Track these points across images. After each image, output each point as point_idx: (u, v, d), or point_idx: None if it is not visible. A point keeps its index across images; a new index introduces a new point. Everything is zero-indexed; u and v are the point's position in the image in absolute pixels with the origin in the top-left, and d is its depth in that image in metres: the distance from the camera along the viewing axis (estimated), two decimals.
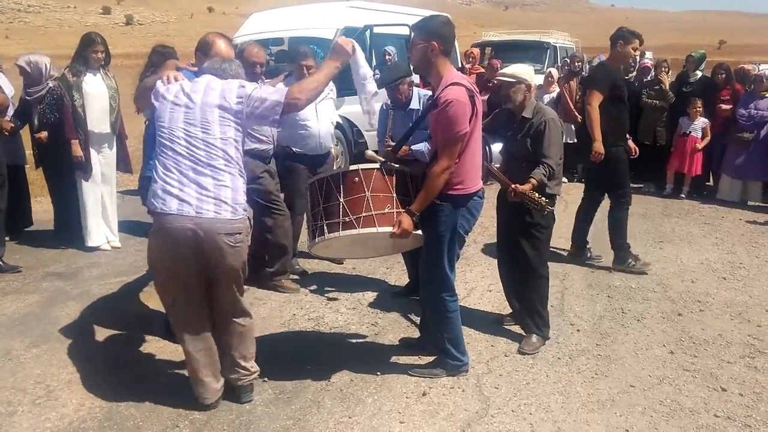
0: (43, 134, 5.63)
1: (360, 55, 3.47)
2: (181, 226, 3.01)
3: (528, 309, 4.19)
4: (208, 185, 3.04)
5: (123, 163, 6.19)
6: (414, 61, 3.46)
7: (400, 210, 3.32)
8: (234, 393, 3.41)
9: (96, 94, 5.68)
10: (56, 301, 4.77)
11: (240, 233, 3.12)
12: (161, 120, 3.16)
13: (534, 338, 4.14)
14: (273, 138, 4.81)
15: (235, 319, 3.33)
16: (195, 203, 3.01)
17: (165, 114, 3.15)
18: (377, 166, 3.41)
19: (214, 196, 3.03)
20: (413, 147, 4.28)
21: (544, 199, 3.81)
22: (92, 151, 5.77)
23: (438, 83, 3.37)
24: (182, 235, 3.02)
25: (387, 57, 9.26)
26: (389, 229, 3.27)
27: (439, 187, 3.33)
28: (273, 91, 3.18)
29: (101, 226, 5.94)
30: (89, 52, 5.63)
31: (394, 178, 3.38)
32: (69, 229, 6.02)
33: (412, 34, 3.46)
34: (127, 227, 6.39)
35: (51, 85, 5.64)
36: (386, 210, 3.29)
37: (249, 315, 3.43)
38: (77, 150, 5.63)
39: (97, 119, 5.73)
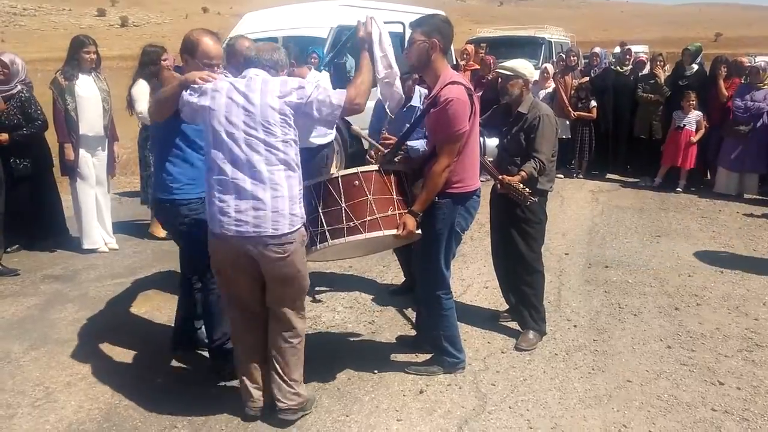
0: (3, 136, 5.46)
1: (379, 32, 3.34)
2: (240, 245, 2.94)
3: (524, 304, 4.20)
4: (266, 198, 2.89)
5: (109, 166, 6.11)
6: (413, 59, 3.41)
7: (402, 211, 3.31)
8: (274, 414, 3.24)
9: (89, 98, 5.67)
10: (54, 304, 4.77)
11: (292, 242, 2.98)
12: (211, 123, 2.94)
13: (531, 334, 4.15)
14: None
15: (283, 333, 3.17)
16: (252, 221, 2.89)
17: (216, 116, 2.93)
18: (375, 167, 3.38)
19: (272, 210, 2.90)
20: (409, 143, 4.27)
21: (527, 189, 3.81)
22: (86, 154, 5.77)
23: (435, 81, 3.36)
24: (241, 251, 2.97)
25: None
26: (393, 231, 3.25)
27: (440, 185, 3.33)
28: (332, 95, 3.02)
29: (97, 228, 5.93)
30: (81, 54, 5.62)
31: (392, 178, 3.37)
32: (45, 233, 6.01)
33: (411, 31, 3.41)
34: (124, 229, 6.39)
35: (20, 87, 5.60)
36: (389, 212, 3.27)
37: (298, 333, 3.21)
38: (69, 153, 5.64)
39: (91, 122, 5.72)
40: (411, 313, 4.50)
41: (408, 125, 4.43)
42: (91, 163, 5.82)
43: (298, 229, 3.00)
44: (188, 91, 3.05)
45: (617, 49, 10.64)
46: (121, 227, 6.31)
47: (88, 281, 5.24)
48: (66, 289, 5.07)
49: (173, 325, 4.02)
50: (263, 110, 2.90)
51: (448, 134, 3.28)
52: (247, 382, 3.23)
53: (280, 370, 3.18)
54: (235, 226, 2.91)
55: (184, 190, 3.47)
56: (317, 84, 3.07)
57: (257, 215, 2.89)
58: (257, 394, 3.23)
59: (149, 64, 5.75)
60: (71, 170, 5.73)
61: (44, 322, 4.45)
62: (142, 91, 5.75)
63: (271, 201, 2.90)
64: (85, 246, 5.88)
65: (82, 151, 5.73)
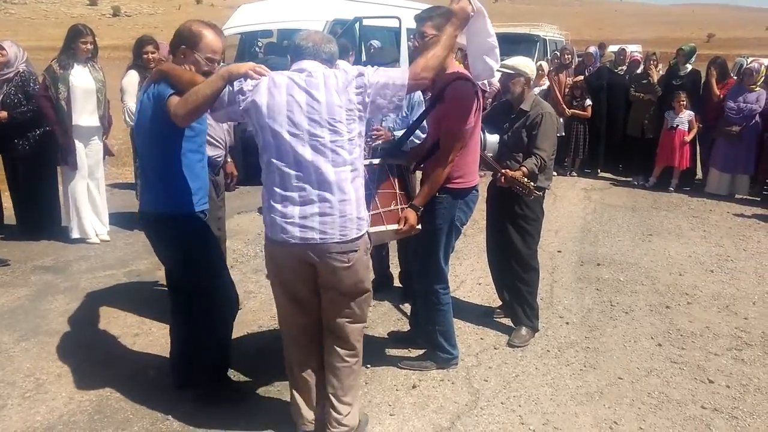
0: (3, 114, 5.52)
1: (484, 18, 3.11)
2: (302, 252, 2.73)
3: (518, 300, 4.22)
4: (333, 202, 2.67)
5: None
6: (419, 51, 3.22)
7: (404, 206, 3.30)
8: None
9: (84, 88, 5.63)
10: (45, 295, 4.74)
11: (357, 250, 2.77)
12: (269, 124, 2.66)
13: (524, 330, 4.17)
14: (225, 143, 4.23)
15: (340, 350, 2.93)
16: (319, 227, 2.67)
17: (276, 116, 2.65)
18: (378, 161, 3.38)
19: (340, 215, 2.68)
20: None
21: (532, 183, 3.82)
22: (79, 145, 5.73)
23: (443, 77, 3.33)
24: (302, 259, 2.76)
25: (371, 51, 9.24)
26: (395, 226, 3.24)
27: (442, 181, 3.34)
28: (394, 74, 2.78)
29: (88, 219, 5.89)
30: (77, 43, 5.58)
31: (395, 172, 3.36)
32: (37, 222, 6.00)
33: (419, 23, 3.31)
34: (116, 220, 6.35)
35: (21, 69, 5.63)
36: (392, 207, 3.27)
37: (356, 352, 2.98)
38: (59, 131, 5.62)
39: (85, 112, 5.69)
40: (405, 308, 4.50)
41: (400, 119, 4.43)
42: (84, 154, 5.79)
43: (364, 234, 2.81)
44: (236, 87, 2.74)
45: (592, 49, 10.60)
46: (113, 219, 6.26)
47: (80, 272, 5.21)
48: (57, 280, 5.04)
49: (169, 355, 3.62)
50: (329, 108, 2.65)
51: (455, 129, 3.27)
52: (300, 402, 3.01)
53: (333, 393, 2.94)
54: (300, 232, 2.68)
55: (191, 202, 3.14)
56: (375, 68, 2.82)
57: (324, 221, 2.67)
58: (310, 415, 3.01)
59: (139, 56, 5.73)
60: (65, 158, 5.71)
61: (35, 313, 4.42)
62: (130, 82, 5.73)
63: (339, 205, 2.68)
64: (74, 235, 5.84)
65: (75, 142, 5.69)
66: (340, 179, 2.68)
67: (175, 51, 3.04)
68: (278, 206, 2.70)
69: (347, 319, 2.91)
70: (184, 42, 3.01)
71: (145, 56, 5.65)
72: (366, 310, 2.99)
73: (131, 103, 5.65)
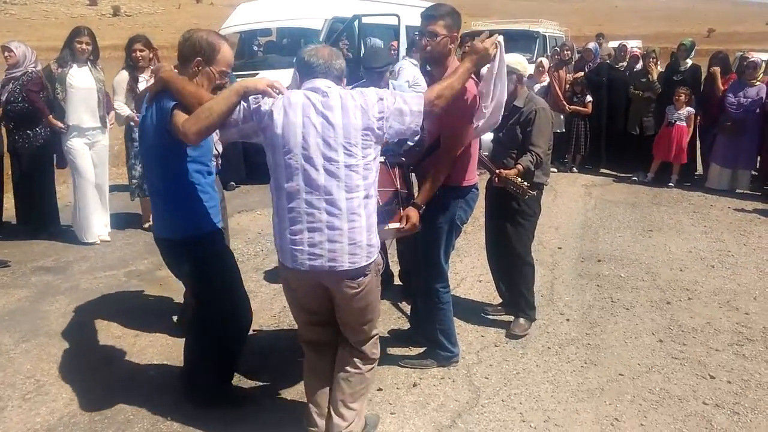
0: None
1: (502, 61, 3.12)
2: (313, 279, 2.71)
3: (514, 294, 4.27)
4: (343, 229, 2.61)
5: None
6: (434, 53, 3.26)
7: (405, 204, 3.27)
8: None
9: (83, 88, 5.65)
10: (46, 296, 4.74)
11: (368, 274, 2.74)
12: (284, 144, 2.58)
13: (522, 320, 4.21)
14: (216, 152, 3.88)
15: (354, 359, 2.93)
16: (327, 254, 2.62)
17: (290, 137, 2.57)
18: (382, 159, 3.36)
19: (349, 242, 2.63)
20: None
21: (525, 183, 3.81)
22: (83, 145, 5.74)
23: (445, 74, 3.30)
24: (315, 282, 2.74)
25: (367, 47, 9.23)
26: (397, 224, 3.21)
27: (443, 179, 3.32)
28: (410, 101, 2.73)
29: (96, 221, 5.90)
30: (74, 43, 5.59)
31: (397, 170, 3.35)
32: (36, 221, 6.01)
33: (428, 22, 3.25)
34: (116, 221, 6.35)
35: (30, 69, 5.66)
36: (393, 205, 3.25)
37: (370, 360, 2.98)
38: (54, 122, 5.63)
39: (87, 113, 5.70)
40: (405, 306, 4.50)
41: None
42: (88, 155, 5.79)
43: (375, 259, 2.76)
44: (252, 103, 2.65)
45: (592, 45, 10.55)
46: (112, 219, 6.26)
47: (80, 273, 5.21)
48: (57, 281, 5.04)
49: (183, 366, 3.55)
50: (345, 130, 2.57)
51: (456, 128, 3.25)
52: (312, 409, 2.98)
53: (342, 398, 2.92)
54: (309, 260, 2.64)
55: (205, 223, 3.06)
56: (393, 93, 2.80)
57: (333, 248, 2.62)
58: (321, 423, 2.97)
59: (129, 55, 5.73)
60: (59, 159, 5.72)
61: (35, 314, 4.42)
62: (119, 81, 5.74)
63: (349, 233, 2.62)
64: (85, 240, 5.85)
65: (78, 142, 5.70)
66: (352, 206, 2.62)
67: (188, 62, 2.88)
68: (287, 233, 2.66)
69: (359, 338, 2.93)
70: (200, 54, 2.86)
71: (134, 54, 5.65)
72: (376, 325, 2.98)
73: (118, 103, 5.73)
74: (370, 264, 2.72)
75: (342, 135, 2.56)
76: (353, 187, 2.61)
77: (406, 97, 2.75)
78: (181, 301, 4.22)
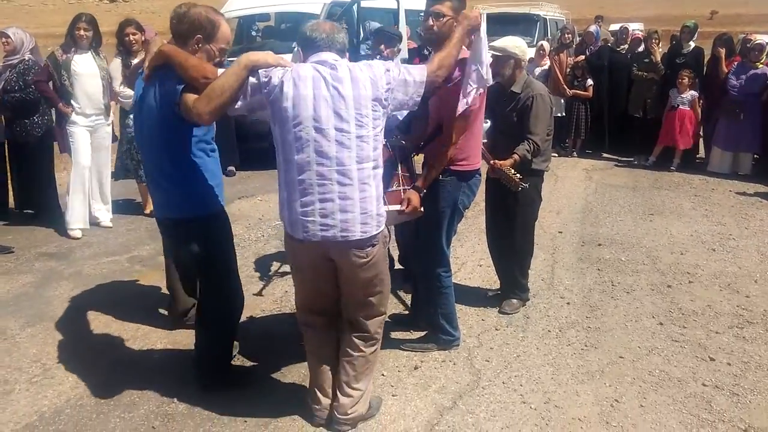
0: None
1: (484, 35, 3.11)
2: (323, 249, 2.74)
3: (508, 276, 4.33)
4: (354, 197, 2.65)
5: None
6: (438, 34, 3.19)
7: (406, 187, 3.29)
8: (330, 423, 3.03)
9: (87, 75, 5.62)
10: (50, 281, 4.77)
11: (376, 244, 2.78)
12: (294, 118, 2.60)
13: (514, 300, 4.28)
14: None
15: (358, 340, 2.97)
16: (340, 224, 2.66)
17: (301, 110, 2.59)
18: (383, 142, 3.36)
19: (361, 211, 2.67)
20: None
21: (518, 176, 3.79)
22: (85, 132, 5.72)
23: None
24: (324, 256, 2.78)
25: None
26: (397, 207, 3.21)
27: (445, 163, 3.32)
28: (414, 71, 2.78)
29: (82, 208, 5.80)
30: (74, 30, 5.57)
31: (398, 153, 3.35)
32: (36, 209, 6.04)
33: (434, 3, 3.22)
34: (117, 207, 6.36)
35: (26, 57, 5.62)
36: (394, 187, 3.25)
37: (375, 342, 3.01)
38: (65, 109, 5.61)
39: (90, 99, 5.68)
40: (404, 293, 4.52)
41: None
42: (89, 141, 5.78)
43: (383, 230, 2.81)
44: (263, 76, 2.66)
45: (593, 28, 10.48)
46: (114, 205, 6.27)
47: (83, 259, 5.23)
48: (61, 266, 5.07)
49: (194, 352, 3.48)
50: (357, 101, 2.60)
51: (462, 111, 3.22)
52: (316, 390, 3.03)
53: (345, 381, 2.96)
54: (321, 230, 2.66)
55: (212, 202, 3.08)
56: (397, 64, 2.84)
57: (345, 218, 2.65)
58: (325, 401, 3.01)
59: (122, 40, 5.67)
60: (62, 146, 5.71)
61: (40, 300, 4.45)
62: (114, 68, 5.71)
63: (360, 202, 2.66)
64: (69, 226, 5.75)
65: (80, 129, 5.69)
66: (363, 176, 2.66)
67: (187, 40, 2.83)
68: (297, 205, 2.68)
69: (367, 312, 2.94)
70: (200, 31, 2.82)
71: (126, 39, 5.55)
72: (385, 302, 3.02)
73: (118, 87, 5.69)
74: (378, 234, 2.77)
75: (353, 106, 2.61)
76: (364, 158, 2.65)
77: (409, 68, 2.81)
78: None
